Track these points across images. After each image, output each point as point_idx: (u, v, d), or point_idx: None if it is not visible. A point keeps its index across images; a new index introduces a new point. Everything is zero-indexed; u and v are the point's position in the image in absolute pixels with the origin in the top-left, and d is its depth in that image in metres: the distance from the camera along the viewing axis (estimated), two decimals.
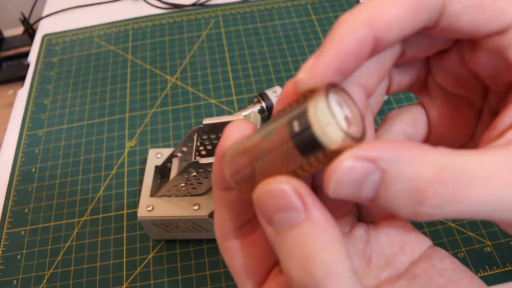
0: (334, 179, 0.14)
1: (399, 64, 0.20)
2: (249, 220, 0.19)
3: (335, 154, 0.14)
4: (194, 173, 0.37)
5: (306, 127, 0.14)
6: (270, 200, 0.15)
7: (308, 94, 0.15)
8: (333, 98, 0.15)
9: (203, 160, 0.35)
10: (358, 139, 0.14)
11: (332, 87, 0.15)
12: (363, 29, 0.15)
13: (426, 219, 0.14)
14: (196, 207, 0.39)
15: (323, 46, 0.15)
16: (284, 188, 0.14)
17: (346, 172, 0.14)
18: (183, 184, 0.38)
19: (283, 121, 0.15)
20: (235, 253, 0.19)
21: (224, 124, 0.38)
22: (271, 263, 0.19)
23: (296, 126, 0.14)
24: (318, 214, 0.15)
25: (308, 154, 0.14)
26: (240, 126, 0.17)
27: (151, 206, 0.39)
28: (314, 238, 0.14)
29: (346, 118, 0.15)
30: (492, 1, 0.15)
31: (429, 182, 0.14)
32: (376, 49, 0.16)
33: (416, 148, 0.14)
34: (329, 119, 0.14)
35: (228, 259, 0.19)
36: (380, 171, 0.14)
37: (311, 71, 0.15)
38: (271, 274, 0.19)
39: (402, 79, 0.21)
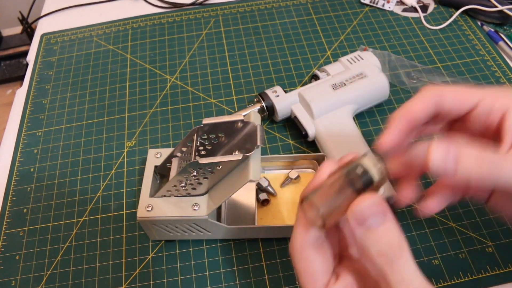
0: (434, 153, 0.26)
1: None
2: (319, 236, 0.28)
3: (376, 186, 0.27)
4: (194, 173, 0.36)
5: (365, 171, 0.26)
6: (369, 208, 0.25)
7: (349, 162, 0.28)
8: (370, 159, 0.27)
9: (203, 160, 0.35)
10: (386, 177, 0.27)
11: (364, 155, 0.27)
12: (404, 118, 0.31)
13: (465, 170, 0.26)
14: (195, 208, 0.39)
15: (387, 128, 0.31)
16: (379, 201, 0.25)
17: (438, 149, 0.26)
18: (183, 184, 0.38)
19: (343, 174, 0.27)
20: (311, 259, 0.27)
21: (224, 124, 0.38)
22: (332, 267, 0.29)
23: (358, 172, 0.26)
24: (391, 216, 0.25)
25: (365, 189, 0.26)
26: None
27: (151, 207, 0.39)
28: (394, 230, 0.25)
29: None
30: (462, 94, 0.30)
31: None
32: (413, 127, 0.31)
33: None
34: (376, 165, 0.27)
35: (303, 264, 0.27)
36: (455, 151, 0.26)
37: (385, 141, 0.30)
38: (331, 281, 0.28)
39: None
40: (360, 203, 0.25)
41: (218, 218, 0.43)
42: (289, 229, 0.41)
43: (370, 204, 0.25)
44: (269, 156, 0.47)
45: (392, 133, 0.30)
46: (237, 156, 0.35)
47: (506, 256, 0.41)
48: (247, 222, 0.43)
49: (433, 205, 0.31)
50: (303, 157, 0.47)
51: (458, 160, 0.26)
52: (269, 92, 0.51)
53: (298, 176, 0.46)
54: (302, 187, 0.46)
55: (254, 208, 0.44)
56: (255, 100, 0.51)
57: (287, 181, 0.46)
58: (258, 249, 0.43)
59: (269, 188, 0.45)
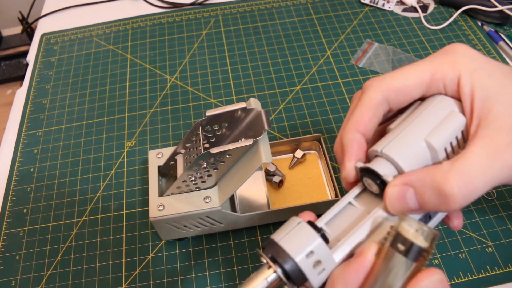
0: (388, 201, 0.25)
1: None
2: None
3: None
4: (204, 165, 0.37)
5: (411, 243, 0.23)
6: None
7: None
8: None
9: (215, 150, 0.35)
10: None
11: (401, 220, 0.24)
12: (355, 142, 0.28)
13: (454, 205, 0.23)
14: (207, 200, 0.39)
15: (344, 161, 0.28)
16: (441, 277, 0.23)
17: (392, 194, 0.25)
18: (193, 179, 0.38)
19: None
20: None
21: (227, 113, 0.38)
22: None
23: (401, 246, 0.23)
24: None
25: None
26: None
27: (162, 206, 0.39)
28: None
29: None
30: (410, 82, 0.28)
31: (444, 180, 0.23)
32: (367, 139, 0.29)
33: (429, 170, 0.25)
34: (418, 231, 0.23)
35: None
36: (412, 187, 0.24)
37: (348, 176, 0.28)
38: None
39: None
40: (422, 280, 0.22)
41: (232, 209, 0.43)
42: (303, 208, 0.42)
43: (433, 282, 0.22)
44: (271, 142, 0.47)
45: (351, 164, 0.28)
46: (247, 141, 0.35)
47: (506, 256, 0.41)
48: (260, 209, 0.44)
49: None
50: (304, 139, 0.48)
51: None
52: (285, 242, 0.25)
53: (304, 155, 0.47)
54: (309, 166, 0.48)
55: (265, 195, 0.45)
56: (266, 262, 0.24)
57: (294, 160, 0.47)
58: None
59: (277, 172, 0.46)
